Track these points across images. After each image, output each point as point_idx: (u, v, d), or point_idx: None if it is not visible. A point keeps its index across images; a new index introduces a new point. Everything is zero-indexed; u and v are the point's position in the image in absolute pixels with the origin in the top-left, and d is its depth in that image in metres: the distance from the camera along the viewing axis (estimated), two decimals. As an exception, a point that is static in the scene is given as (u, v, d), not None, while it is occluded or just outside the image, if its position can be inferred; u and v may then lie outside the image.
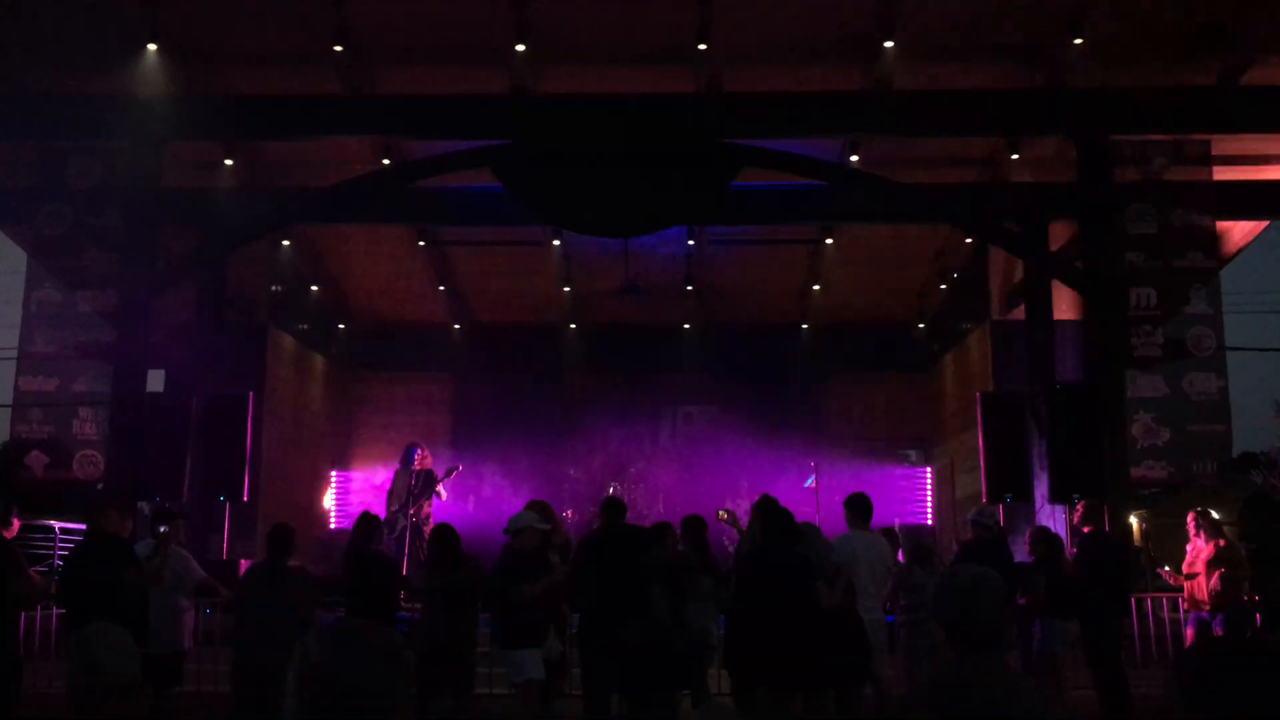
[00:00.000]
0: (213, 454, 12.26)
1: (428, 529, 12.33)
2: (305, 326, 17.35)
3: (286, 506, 14.66)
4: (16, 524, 7.96)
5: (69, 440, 11.56)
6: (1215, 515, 9.83)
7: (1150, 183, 11.89)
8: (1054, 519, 12.11)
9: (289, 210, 13.33)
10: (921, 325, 18.42)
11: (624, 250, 15.17)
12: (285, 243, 15.46)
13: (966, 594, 2.89)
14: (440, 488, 13.04)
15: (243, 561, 11.55)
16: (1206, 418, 11.57)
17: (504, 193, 11.93)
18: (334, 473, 17.86)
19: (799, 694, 6.79)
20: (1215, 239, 12.39)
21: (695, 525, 8.39)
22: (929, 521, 17.14)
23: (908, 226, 15.41)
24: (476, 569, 7.52)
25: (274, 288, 16.12)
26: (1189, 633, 9.40)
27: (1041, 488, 12.18)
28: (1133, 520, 11.53)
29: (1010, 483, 12.40)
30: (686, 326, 18.07)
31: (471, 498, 16.13)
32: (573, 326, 18.19)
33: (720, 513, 9.39)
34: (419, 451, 13.36)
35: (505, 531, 7.39)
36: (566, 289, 17.36)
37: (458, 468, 13.52)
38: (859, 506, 8.17)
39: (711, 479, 15.76)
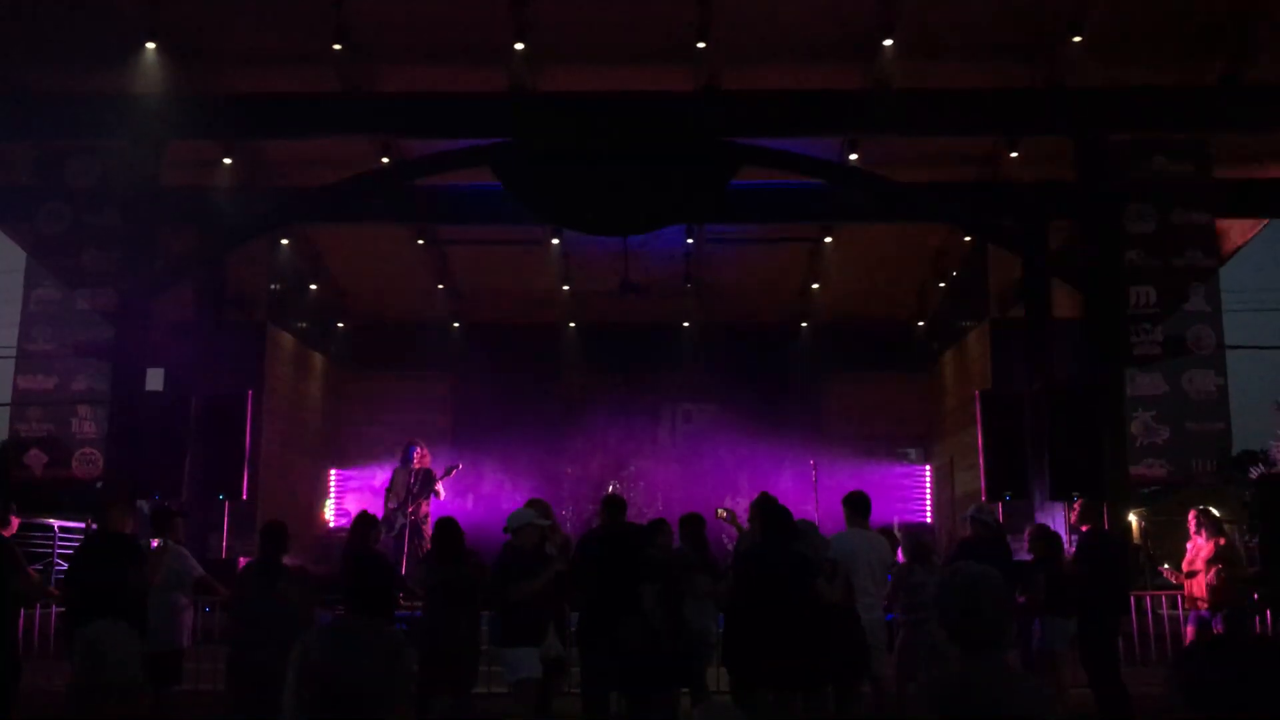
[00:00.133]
0: (212, 453, 12.25)
1: (426, 527, 12.35)
2: (304, 325, 17.35)
3: (285, 505, 14.66)
4: (15, 522, 7.97)
5: (68, 439, 11.56)
6: (1216, 513, 9.84)
7: (1149, 181, 11.90)
8: (1053, 517, 12.10)
9: (288, 209, 13.33)
10: (921, 324, 18.42)
11: (623, 249, 15.17)
12: (284, 241, 15.46)
13: (968, 593, 2.88)
14: (439, 486, 13.04)
15: (241, 560, 11.55)
16: (1206, 416, 11.57)
17: (503, 191, 11.93)
18: (333, 471, 17.85)
19: (798, 692, 6.79)
20: (1214, 237, 12.39)
21: (694, 523, 8.39)
22: (928, 519, 17.14)
23: (907, 225, 15.41)
24: (479, 565, 7.51)
25: (273, 286, 16.12)
26: (1189, 631, 9.41)
27: (1041, 486, 12.18)
28: (1132, 518, 11.53)
29: (1009, 481, 12.39)
30: (686, 325, 18.06)
31: (470, 496, 16.12)
32: (572, 325, 18.19)
33: (719, 511, 9.39)
34: (418, 450, 13.36)
35: (505, 529, 7.39)
36: (566, 288, 17.36)
37: (457, 466, 13.51)
38: (858, 505, 8.17)
39: (710, 477, 15.77)
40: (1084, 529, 8.82)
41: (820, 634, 6.73)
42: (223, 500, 12.58)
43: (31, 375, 11.72)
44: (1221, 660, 2.03)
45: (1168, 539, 14.54)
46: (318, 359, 18.05)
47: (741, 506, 11.00)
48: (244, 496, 12.51)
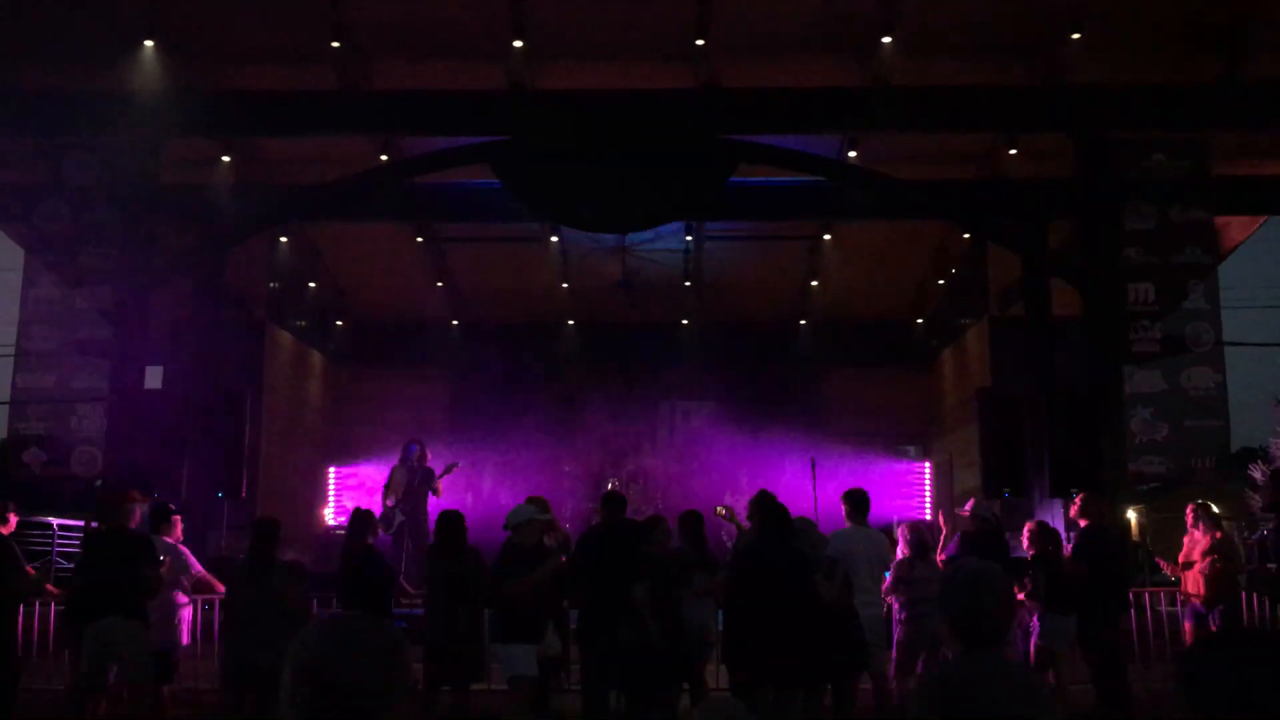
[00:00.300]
0: (211, 450, 12.24)
1: (425, 525, 12.33)
2: (303, 323, 17.34)
3: (284, 503, 14.65)
4: (14, 520, 7.96)
5: (67, 437, 11.54)
6: (1215, 509, 9.84)
7: (1148, 179, 11.89)
8: (1052, 514, 12.10)
9: (287, 207, 13.33)
10: (920, 321, 18.43)
11: (621, 247, 15.17)
12: (283, 239, 15.45)
13: (970, 589, 2.88)
14: (438, 484, 13.02)
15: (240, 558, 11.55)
16: (1204, 413, 11.57)
17: (502, 189, 11.92)
18: (332, 469, 17.84)
19: (798, 690, 6.79)
20: (1213, 234, 12.39)
21: (692, 521, 8.38)
22: (928, 517, 17.14)
23: (906, 223, 15.41)
24: (479, 560, 7.51)
25: (272, 284, 16.12)
26: (1187, 626, 9.41)
27: (1040, 483, 12.19)
28: (1131, 515, 11.53)
29: (1008, 478, 12.40)
30: (685, 322, 18.07)
31: (469, 494, 16.11)
32: (570, 323, 18.19)
33: (719, 508, 9.38)
34: (417, 448, 13.34)
35: (505, 526, 7.38)
36: (565, 285, 17.36)
37: (456, 464, 13.50)
38: (857, 502, 8.17)
39: (709, 475, 15.76)
40: (1083, 524, 8.81)
41: (819, 632, 6.73)
42: (221, 498, 12.57)
43: (30, 373, 11.70)
44: (1225, 657, 2.02)
45: (1167, 536, 14.54)
46: (317, 357, 18.04)
47: (740, 504, 10.99)
48: (243, 494, 12.51)
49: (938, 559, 8.45)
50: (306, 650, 1.89)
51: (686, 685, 7.66)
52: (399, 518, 12.64)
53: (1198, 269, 11.81)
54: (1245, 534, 14.50)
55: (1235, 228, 14.40)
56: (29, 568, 7.96)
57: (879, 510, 9.78)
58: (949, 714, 2.74)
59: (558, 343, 18.13)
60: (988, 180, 14.20)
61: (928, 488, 17.71)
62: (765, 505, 7.45)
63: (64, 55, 11.91)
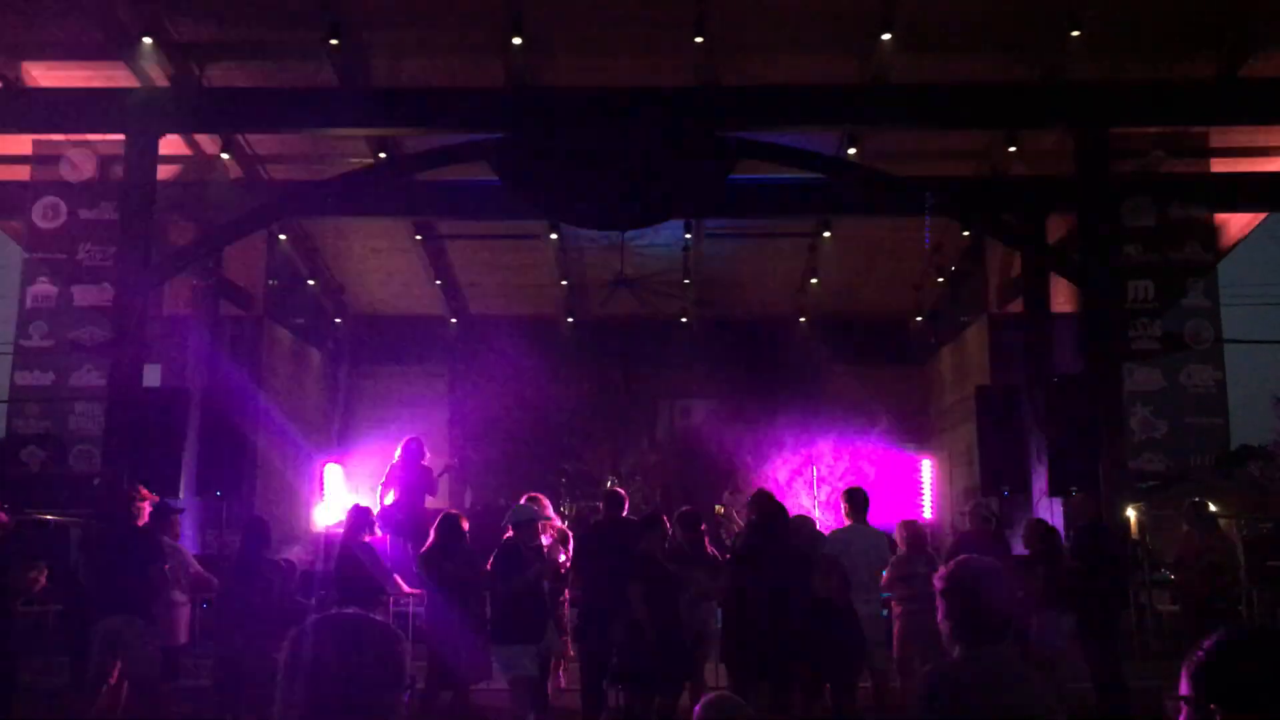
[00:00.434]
0: (209, 448, 12.23)
1: (423, 525, 12.32)
2: (301, 320, 17.31)
3: (282, 501, 14.64)
4: (5, 518, 7.93)
5: (65, 435, 11.52)
6: (1212, 508, 9.84)
7: (1148, 175, 11.88)
8: (1051, 512, 12.10)
9: (285, 204, 13.30)
10: (919, 318, 18.41)
11: (620, 244, 15.14)
12: (282, 237, 15.42)
13: (972, 586, 2.87)
14: (435, 483, 13.00)
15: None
16: (1204, 410, 11.56)
17: (500, 186, 11.90)
18: (330, 467, 17.80)
19: (797, 687, 6.78)
20: (1213, 231, 12.38)
21: (691, 519, 8.38)
22: (927, 515, 17.13)
23: (905, 219, 15.38)
24: (476, 561, 7.50)
25: (270, 282, 16.08)
26: (1186, 625, 9.41)
27: (1039, 481, 12.17)
28: (1130, 513, 11.52)
29: (1007, 476, 12.39)
30: (684, 320, 18.04)
31: (468, 493, 16.11)
32: (569, 320, 18.16)
33: (717, 507, 9.39)
34: (415, 446, 13.32)
35: (504, 524, 7.38)
36: (564, 282, 17.33)
37: (454, 464, 13.49)
38: (856, 500, 8.17)
39: (708, 472, 15.75)
40: (1081, 523, 8.81)
41: (817, 630, 6.72)
42: (220, 496, 12.55)
43: (28, 371, 11.67)
44: (1227, 656, 2.00)
45: (1165, 534, 14.53)
46: (315, 354, 18.02)
47: (739, 502, 10.99)
48: (241, 492, 12.48)
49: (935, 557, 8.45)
50: (303, 647, 1.88)
51: (687, 684, 7.65)
52: (397, 516, 12.62)
53: (1197, 266, 11.80)
54: (1244, 532, 14.49)
55: (1235, 225, 14.38)
56: (25, 566, 7.94)
57: (878, 508, 9.76)
58: (953, 712, 2.73)
59: (556, 340, 18.10)
60: (987, 177, 14.18)
61: (927, 485, 17.70)
62: (763, 504, 7.44)
63: (61, 51, 11.88)
